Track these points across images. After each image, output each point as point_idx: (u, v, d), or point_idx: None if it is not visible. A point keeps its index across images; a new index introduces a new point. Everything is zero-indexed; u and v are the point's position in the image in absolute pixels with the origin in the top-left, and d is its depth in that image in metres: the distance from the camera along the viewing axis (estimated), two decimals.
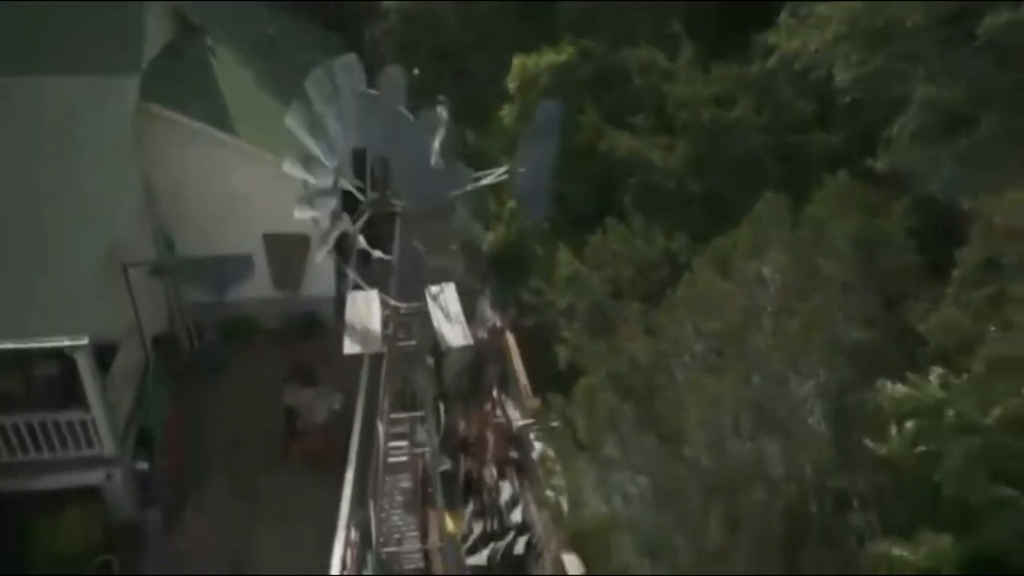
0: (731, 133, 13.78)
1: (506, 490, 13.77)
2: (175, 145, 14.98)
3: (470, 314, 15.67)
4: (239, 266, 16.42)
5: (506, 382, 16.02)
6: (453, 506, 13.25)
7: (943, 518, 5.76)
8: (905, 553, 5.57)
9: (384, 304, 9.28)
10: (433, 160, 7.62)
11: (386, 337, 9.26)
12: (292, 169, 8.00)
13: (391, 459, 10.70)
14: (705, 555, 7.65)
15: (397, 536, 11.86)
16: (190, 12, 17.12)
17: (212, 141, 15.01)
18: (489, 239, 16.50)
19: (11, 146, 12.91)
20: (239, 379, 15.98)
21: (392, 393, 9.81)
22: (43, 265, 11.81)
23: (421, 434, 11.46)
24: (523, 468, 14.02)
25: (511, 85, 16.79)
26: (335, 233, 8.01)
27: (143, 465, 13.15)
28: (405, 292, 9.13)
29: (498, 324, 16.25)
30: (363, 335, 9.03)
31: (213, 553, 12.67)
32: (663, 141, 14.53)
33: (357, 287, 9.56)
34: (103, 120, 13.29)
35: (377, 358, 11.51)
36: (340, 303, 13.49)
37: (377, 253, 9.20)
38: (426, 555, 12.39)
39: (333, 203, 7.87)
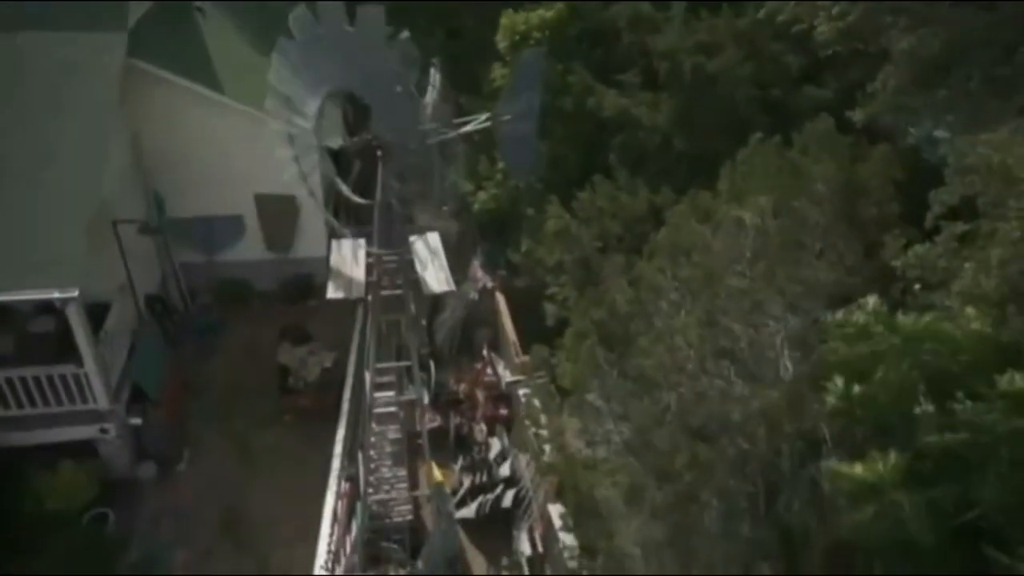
0: (716, 84, 13.70)
1: (495, 446, 14.01)
2: (164, 104, 14.93)
3: (462, 275, 15.87)
4: (230, 226, 16.51)
5: (497, 342, 16.19)
6: (444, 461, 13.46)
7: (890, 437, 5.88)
8: (849, 469, 5.73)
9: (368, 252, 9.35)
10: (400, 88, 7.61)
11: (370, 284, 9.34)
12: (273, 107, 8.02)
13: (379, 409, 10.81)
14: (679, 496, 7.78)
15: (387, 487, 12.04)
16: None
17: (201, 100, 14.94)
18: (480, 199, 16.53)
19: None
20: (233, 339, 16.13)
21: (377, 341, 9.90)
22: (32, 221, 11.86)
23: (408, 386, 11.60)
24: (512, 424, 14.24)
25: (501, 44, 16.71)
26: (316, 174, 8.05)
27: (137, 420, 13.32)
28: (386, 239, 9.17)
29: (489, 285, 16.36)
30: (347, 281, 9.11)
31: (207, 506, 12.91)
32: (649, 98, 14.48)
33: (341, 236, 9.63)
34: (90, 77, 13.24)
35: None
36: None
37: (359, 200, 9.25)
38: (415, 504, 12.62)
39: (313, 141, 7.91)
